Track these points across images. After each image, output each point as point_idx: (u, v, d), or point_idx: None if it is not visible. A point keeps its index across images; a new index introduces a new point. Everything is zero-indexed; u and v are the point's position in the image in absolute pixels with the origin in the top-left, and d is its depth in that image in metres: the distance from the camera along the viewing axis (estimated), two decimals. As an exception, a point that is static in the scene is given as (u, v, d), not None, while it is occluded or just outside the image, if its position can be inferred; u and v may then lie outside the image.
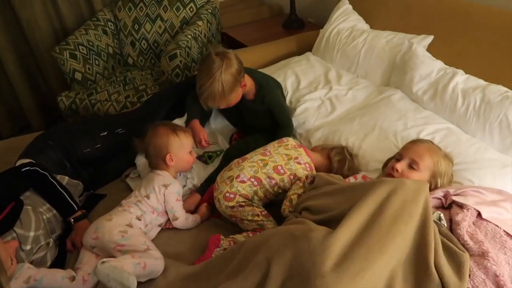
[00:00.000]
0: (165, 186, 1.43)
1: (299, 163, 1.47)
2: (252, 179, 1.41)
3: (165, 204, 1.42)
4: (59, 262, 1.34)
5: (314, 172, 1.49)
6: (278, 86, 1.88)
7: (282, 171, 1.44)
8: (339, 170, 1.54)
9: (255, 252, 1.10)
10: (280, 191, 1.45)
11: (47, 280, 1.19)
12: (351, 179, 1.45)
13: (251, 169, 1.43)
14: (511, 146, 1.49)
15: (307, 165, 1.49)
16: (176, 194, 1.44)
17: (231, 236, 1.35)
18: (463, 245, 1.11)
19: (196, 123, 1.76)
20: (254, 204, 1.40)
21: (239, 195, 1.38)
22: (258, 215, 1.37)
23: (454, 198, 1.22)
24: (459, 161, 1.45)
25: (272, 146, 1.55)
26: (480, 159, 1.46)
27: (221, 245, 1.30)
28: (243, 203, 1.38)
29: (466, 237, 1.11)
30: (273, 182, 1.43)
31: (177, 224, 1.42)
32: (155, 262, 1.21)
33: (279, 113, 1.75)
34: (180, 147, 1.49)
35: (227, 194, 1.38)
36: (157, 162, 1.49)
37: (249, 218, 1.36)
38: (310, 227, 1.09)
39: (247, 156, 1.50)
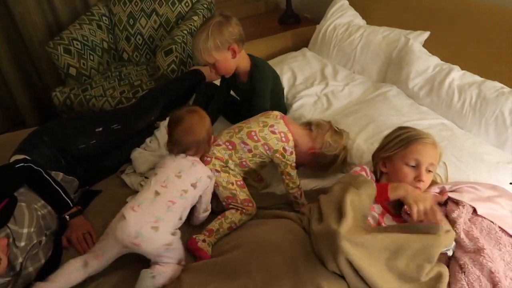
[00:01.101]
0: (210, 178, 1.37)
1: (273, 132, 1.43)
2: (227, 143, 1.44)
3: (204, 196, 1.36)
4: (55, 259, 1.33)
5: (291, 143, 1.44)
6: (274, 75, 1.83)
7: (255, 137, 1.43)
8: (321, 145, 1.48)
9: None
10: (258, 160, 1.45)
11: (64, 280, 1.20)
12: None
13: (228, 134, 1.47)
14: (507, 141, 1.50)
15: (282, 134, 1.43)
16: (213, 187, 1.39)
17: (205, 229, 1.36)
18: (459, 242, 1.11)
19: None
20: (230, 171, 1.42)
21: (214, 157, 1.42)
22: (232, 184, 1.40)
23: (450, 194, 1.23)
24: (454, 154, 1.46)
25: (254, 116, 1.55)
26: (476, 153, 1.47)
27: (198, 240, 1.30)
28: (219, 169, 1.41)
29: (463, 235, 1.11)
30: (247, 148, 1.43)
31: (204, 216, 1.38)
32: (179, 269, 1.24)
33: (257, 94, 1.69)
34: (210, 135, 1.44)
35: (205, 158, 1.42)
36: (200, 147, 1.39)
37: (224, 184, 1.40)
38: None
39: (231, 126, 1.54)
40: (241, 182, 1.43)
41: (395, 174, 1.28)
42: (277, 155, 1.42)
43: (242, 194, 1.40)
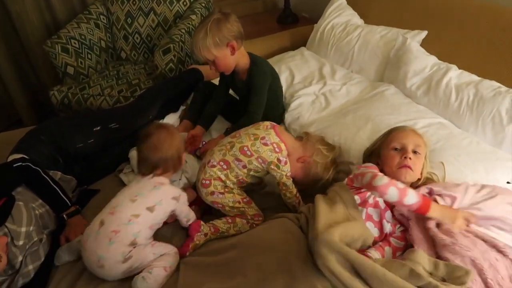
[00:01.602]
0: (176, 199, 1.33)
1: (265, 144, 1.41)
2: (221, 163, 1.42)
3: (179, 214, 1.36)
4: (52, 258, 1.33)
5: (284, 153, 1.43)
6: (273, 74, 1.82)
7: (248, 152, 1.40)
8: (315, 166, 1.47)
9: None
10: (255, 174, 1.44)
11: None
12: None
13: (220, 152, 1.44)
14: (504, 140, 1.50)
15: (274, 145, 1.41)
16: (186, 201, 1.38)
17: (211, 222, 1.38)
18: (435, 237, 1.14)
19: (199, 129, 1.80)
20: (234, 191, 1.42)
21: (213, 179, 1.40)
22: (239, 202, 1.39)
23: (437, 197, 1.24)
24: (452, 154, 1.46)
25: (244, 128, 1.52)
26: (473, 152, 1.47)
27: (202, 230, 1.34)
28: (222, 191, 1.40)
29: (441, 235, 1.14)
30: (241, 164, 1.41)
31: (186, 225, 1.37)
32: (174, 259, 1.25)
33: (254, 91, 1.68)
34: (180, 152, 1.42)
35: (203, 181, 1.41)
36: (167, 166, 1.36)
37: (230, 205, 1.39)
38: None
39: (222, 140, 1.51)
40: (247, 199, 1.42)
41: (385, 163, 1.33)
42: (272, 166, 1.41)
43: (251, 210, 1.40)
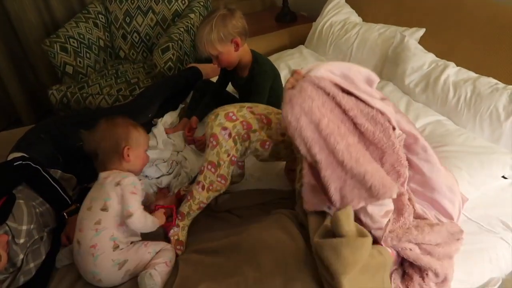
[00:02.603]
0: (118, 183, 1.23)
1: (252, 112, 1.36)
2: (211, 139, 1.34)
3: (122, 202, 1.21)
4: (52, 256, 1.34)
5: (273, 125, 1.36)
6: (274, 73, 1.81)
7: (234, 117, 1.33)
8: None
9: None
10: (246, 145, 1.36)
11: None
12: None
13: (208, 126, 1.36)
14: (501, 137, 1.51)
15: (263, 116, 1.36)
16: (132, 186, 1.24)
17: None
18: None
19: (194, 119, 1.83)
20: (238, 144, 1.33)
21: (240, 121, 1.32)
22: (228, 155, 1.32)
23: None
24: (447, 149, 1.48)
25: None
26: (468, 147, 1.48)
27: (173, 231, 1.36)
28: (233, 133, 1.31)
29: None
30: (227, 132, 1.31)
31: (132, 222, 1.19)
32: (171, 253, 1.26)
33: (255, 91, 1.66)
34: (139, 143, 1.36)
35: (230, 115, 1.33)
36: (109, 159, 1.30)
37: (221, 150, 1.31)
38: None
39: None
40: (235, 159, 1.35)
41: None
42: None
43: (225, 170, 1.33)
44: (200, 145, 1.73)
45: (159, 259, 1.22)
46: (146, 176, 1.62)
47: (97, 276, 1.19)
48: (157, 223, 1.27)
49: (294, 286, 1.05)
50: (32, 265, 1.26)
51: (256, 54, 1.74)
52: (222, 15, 1.56)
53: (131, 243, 1.25)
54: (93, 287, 1.22)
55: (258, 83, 1.69)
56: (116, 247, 1.20)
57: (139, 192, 1.26)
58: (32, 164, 1.39)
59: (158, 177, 1.63)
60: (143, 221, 1.22)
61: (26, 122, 2.90)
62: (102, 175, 1.30)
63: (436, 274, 1.09)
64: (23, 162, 1.38)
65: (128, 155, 1.31)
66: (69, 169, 1.58)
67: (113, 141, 1.31)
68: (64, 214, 1.41)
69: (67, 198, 1.42)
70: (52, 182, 1.41)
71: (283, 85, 1.92)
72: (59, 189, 1.42)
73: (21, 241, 1.23)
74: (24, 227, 1.25)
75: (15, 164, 1.37)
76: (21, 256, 1.23)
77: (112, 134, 1.31)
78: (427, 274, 1.10)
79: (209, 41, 1.56)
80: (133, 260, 1.21)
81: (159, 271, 1.18)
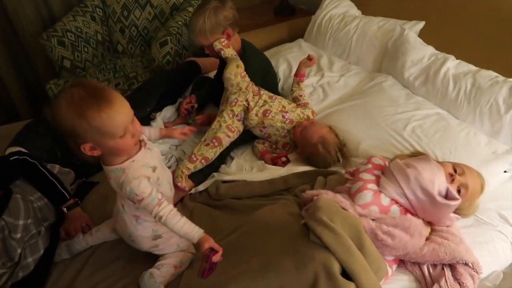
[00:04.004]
0: (120, 188, 1.06)
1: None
2: (214, 140, 1.60)
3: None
4: (51, 251, 1.33)
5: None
6: (262, 64, 1.82)
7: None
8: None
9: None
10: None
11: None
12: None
13: (212, 131, 1.62)
14: (501, 130, 1.50)
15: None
16: (133, 195, 1.04)
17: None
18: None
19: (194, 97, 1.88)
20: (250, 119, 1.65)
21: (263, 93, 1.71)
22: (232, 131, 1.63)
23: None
24: (448, 146, 1.47)
25: None
26: (470, 145, 1.48)
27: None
28: (252, 105, 1.66)
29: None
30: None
31: (144, 205, 1.03)
32: (187, 258, 1.23)
33: None
34: (101, 135, 0.97)
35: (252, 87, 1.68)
36: (78, 152, 1.04)
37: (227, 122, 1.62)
38: None
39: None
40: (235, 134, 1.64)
41: None
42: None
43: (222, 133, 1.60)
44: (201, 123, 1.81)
45: (171, 260, 1.21)
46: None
47: (133, 236, 1.18)
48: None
49: (306, 266, 1.05)
50: (30, 259, 1.25)
51: (244, 45, 1.75)
52: (214, 7, 1.60)
53: None
54: (91, 285, 1.22)
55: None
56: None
57: (147, 192, 1.04)
58: (29, 159, 1.39)
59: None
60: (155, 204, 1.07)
61: (24, 116, 2.90)
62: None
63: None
64: (20, 157, 1.38)
65: (93, 151, 1.00)
66: (67, 164, 1.58)
67: (65, 133, 0.99)
68: (63, 209, 1.40)
69: (65, 193, 1.42)
70: (50, 177, 1.41)
71: (277, 80, 1.94)
72: (57, 183, 1.41)
73: (18, 236, 1.23)
74: (21, 222, 1.24)
75: (11, 159, 1.36)
76: (19, 251, 1.23)
77: (59, 126, 0.98)
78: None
79: (202, 32, 1.61)
80: (163, 243, 1.21)
81: (163, 271, 1.17)
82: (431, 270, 1.13)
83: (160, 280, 1.14)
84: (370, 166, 1.27)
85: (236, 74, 1.59)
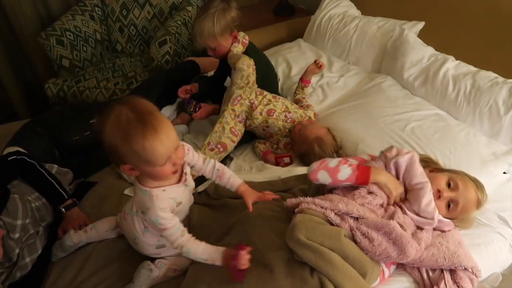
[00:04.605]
0: (143, 212, 1.07)
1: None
2: (219, 145, 1.60)
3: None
4: (49, 251, 1.33)
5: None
6: (266, 67, 1.83)
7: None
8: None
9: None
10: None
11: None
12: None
13: (215, 134, 1.62)
14: (500, 131, 1.51)
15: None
16: (157, 224, 1.04)
17: None
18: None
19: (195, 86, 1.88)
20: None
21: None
22: (235, 135, 1.63)
23: None
24: (448, 146, 1.47)
25: None
26: (469, 146, 1.47)
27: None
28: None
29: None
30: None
31: (167, 234, 1.04)
32: (186, 262, 1.20)
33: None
34: (142, 161, 0.96)
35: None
36: (117, 166, 1.05)
37: (231, 125, 1.62)
38: None
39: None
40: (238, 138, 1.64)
41: None
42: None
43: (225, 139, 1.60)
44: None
45: (172, 263, 1.20)
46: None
47: (137, 240, 1.18)
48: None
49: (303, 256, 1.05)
50: (28, 259, 1.25)
51: (247, 48, 1.74)
52: (222, 8, 1.61)
53: None
54: (91, 285, 1.21)
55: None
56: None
57: (173, 222, 1.04)
58: (27, 159, 1.38)
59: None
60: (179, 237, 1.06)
61: (22, 116, 2.88)
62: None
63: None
64: (18, 157, 1.37)
65: (133, 170, 1.00)
66: (65, 164, 1.57)
67: (107, 148, 0.98)
68: (62, 209, 1.40)
69: (63, 193, 1.41)
70: (48, 177, 1.40)
71: (277, 81, 1.93)
72: (55, 184, 1.41)
73: (16, 236, 1.22)
74: (19, 222, 1.24)
75: (9, 159, 1.36)
76: (17, 251, 1.23)
77: (105, 141, 0.97)
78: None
79: (211, 34, 1.61)
80: (166, 249, 1.19)
81: (162, 269, 1.17)
82: (430, 273, 1.13)
83: (155, 275, 1.15)
84: (356, 161, 1.25)
85: (249, 65, 1.58)
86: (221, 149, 1.60)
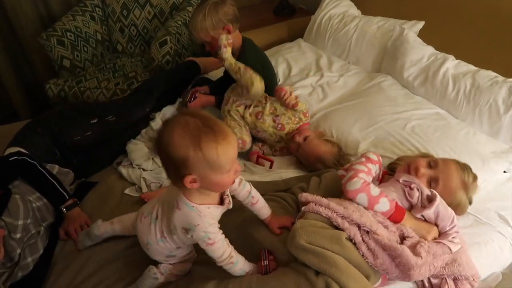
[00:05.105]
0: (186, 230, 1.02)
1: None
2: (239, 140, 1.65)
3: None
4: (50, 251, 1.33)
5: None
6: (263, 62, 1.81)
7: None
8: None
9: None
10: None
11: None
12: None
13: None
14: (500, 130, 1.51)
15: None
16: (205, 239, 1.01)
17: None
18: None
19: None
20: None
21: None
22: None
23: None
24: (449, 145, 1.47)
25: None
26: (469, 144, 1.48)
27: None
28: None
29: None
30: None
31: (214, 248, 1.03)
32: (188, 267, 1.22)
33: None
34: (211, 168, 0.92)
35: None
36: (170, 177, 1.01)
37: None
38: None
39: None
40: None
41: None
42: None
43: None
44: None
45: (176, 269, 1.20)
46: (143, 169, 1.62)
47: (149, 246, 1.14)
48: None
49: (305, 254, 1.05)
50: (29, 259, 1.26)
51: (245, 42, 1.75)
52: (214, 2, 1.63)
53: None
54: (91, 285, 1.22)
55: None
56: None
57: (218, 236, 1.02)
58: (28, 159, 1.39)
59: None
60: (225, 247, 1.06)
61: (23, 116, 2.89)
62: (175, 190, 1.03)
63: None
64: (19, 157, 1.38)
65: (195, 182, 0.94)
66: (66, 164, 1.58)
67: (171, 163, 0.93)
68: (63, 209, 1.40)
69: (64, 193, 1.42)
70: (49, 177, 1.41)
71: (277, 81, 1.93)
72: (56, 184, 1.41)
73: (18, 236, 1.23)
74: (20, 222, 1.24)
75: (10, 159, 1.36)
76: (18, 251, 1.23)
77: (169, 154, 0.92)
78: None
79: (203, 28, 1.64)
80: (175, 259, 1.19)
81: (166, 275, 1.18)
82: (431, 280, 1.13)
83: (159, 282, 1.16)
84: (363, 159, 1.26)
85: (263, 87, 1.62)
86: (241, 146, 1.66)
